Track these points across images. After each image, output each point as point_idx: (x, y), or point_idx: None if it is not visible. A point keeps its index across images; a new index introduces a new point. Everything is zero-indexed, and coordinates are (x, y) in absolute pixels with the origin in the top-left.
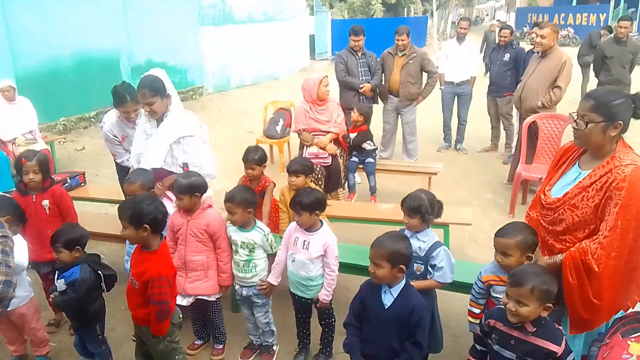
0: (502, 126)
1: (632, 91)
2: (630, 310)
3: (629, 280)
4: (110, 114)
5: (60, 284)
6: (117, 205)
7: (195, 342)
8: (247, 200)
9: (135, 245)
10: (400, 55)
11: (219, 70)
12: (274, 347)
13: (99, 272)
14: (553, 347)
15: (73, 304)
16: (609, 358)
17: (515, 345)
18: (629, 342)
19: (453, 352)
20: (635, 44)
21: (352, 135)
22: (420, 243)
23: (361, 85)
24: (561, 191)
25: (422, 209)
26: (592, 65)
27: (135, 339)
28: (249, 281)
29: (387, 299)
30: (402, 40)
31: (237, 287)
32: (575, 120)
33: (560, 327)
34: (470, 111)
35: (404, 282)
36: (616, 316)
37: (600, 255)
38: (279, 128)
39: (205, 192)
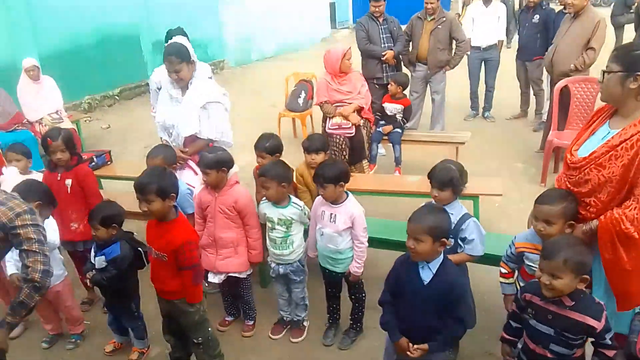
0: (531, 92)
1: None
2: None
3: None
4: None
5: (100, 261)
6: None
7: (226, 319)
8: (280, 175)
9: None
10: (429, 19)
11: (240, 43)
12: (305, 323)
13: (139, 248)
14: (592, 322)
15: (115, 280)
16: None
17: (553, 319)
18: None
19: (485, 327)
20: None
21: (388, 105)
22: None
23: (383, 53)
24: (589, 151)
25: (454, 180)
26: (625, 26)
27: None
28: (287, 258)
29: (426, 275)
30: (432, 3)
31: (272, 264)
32: None
33: (602, 302)
34: (498, 77)
35: (441, 256)
36: None
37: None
38: (301, 101)
39: (232, 167)
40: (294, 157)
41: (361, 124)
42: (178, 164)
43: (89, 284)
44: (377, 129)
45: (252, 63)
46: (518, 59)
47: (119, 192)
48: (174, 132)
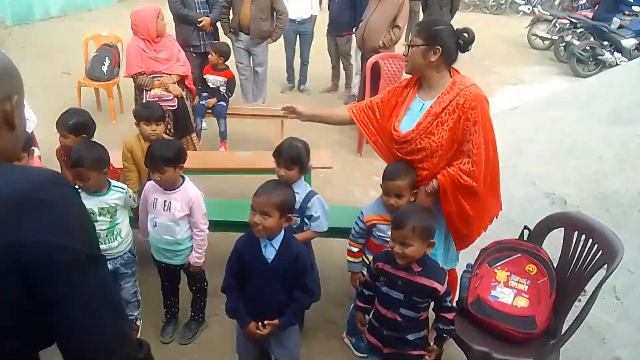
0: (342, 66)
1: None
2: (492, 240)
3: (493, 192)
4: None
5: None
6: None
7: None
8: (101, 160)
9: None
10: None
11: None
12: (138, 322)
13: None
14: (437, 286)
15: None
16: (480, 287)
17: (402, 285)
18: (495, 270)
19: (325, 297)
20: None
21: (210, 77)
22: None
23: (200, 19)
24: (411, 124)
25: (302, 159)
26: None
27: None
28: (115, 251)
29: (269, 253)
30: None
31: None
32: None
33: (445, 267)
34: (312, 51)
35: (283, 231)
36: (482, 247)
37: (475, 172)
38: (105, 68)
39: (31, 146)
40: (97, 133)
41: (184, 95)
42: None
43: None
44: (200, 102)
45: (35, 22)
46: (329, 34)
47: None
48: None
